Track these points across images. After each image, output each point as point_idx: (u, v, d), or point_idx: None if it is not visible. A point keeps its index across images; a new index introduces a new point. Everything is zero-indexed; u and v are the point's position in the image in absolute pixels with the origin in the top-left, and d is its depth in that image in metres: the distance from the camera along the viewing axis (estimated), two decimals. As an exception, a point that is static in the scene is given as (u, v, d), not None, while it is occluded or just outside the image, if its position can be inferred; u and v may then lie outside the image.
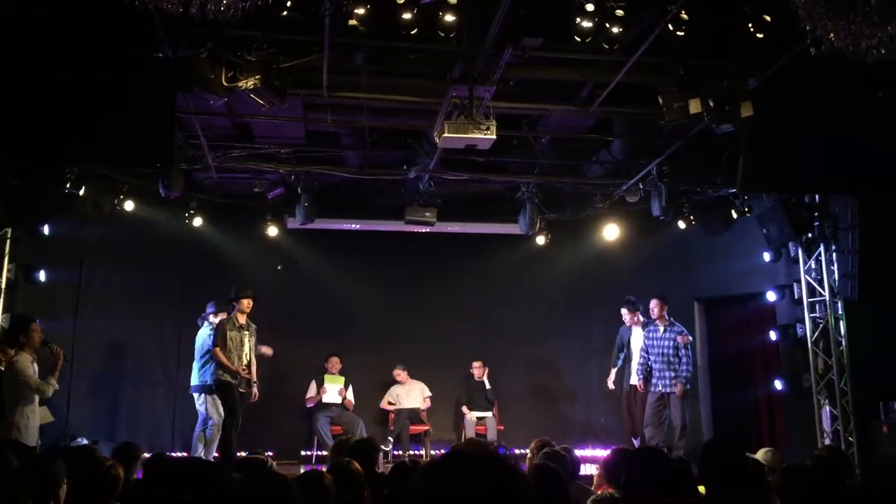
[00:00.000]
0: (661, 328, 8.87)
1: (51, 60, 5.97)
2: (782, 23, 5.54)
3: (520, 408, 10.94)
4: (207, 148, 8.37)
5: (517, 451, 9.45)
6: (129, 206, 9.22)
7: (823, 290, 9.03)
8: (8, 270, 8.38)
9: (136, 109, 6.23)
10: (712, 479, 3.20)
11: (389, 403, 10.52)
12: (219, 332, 8.18)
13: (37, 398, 6.47)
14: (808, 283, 9.22)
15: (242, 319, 8.29)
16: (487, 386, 10.53)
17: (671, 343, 8.77)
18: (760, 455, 5.09)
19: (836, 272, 8.85)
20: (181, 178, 8.53)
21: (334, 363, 10.21)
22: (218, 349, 8.07)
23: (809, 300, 9.20)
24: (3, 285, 8.32)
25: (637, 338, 9.34)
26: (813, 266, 9.19)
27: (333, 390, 10.07)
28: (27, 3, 5.86)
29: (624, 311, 9.55)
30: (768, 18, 5.78)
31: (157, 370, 10.15)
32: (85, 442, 8.34)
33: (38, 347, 6.60)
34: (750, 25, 5.83)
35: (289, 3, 5.34)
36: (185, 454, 8.65)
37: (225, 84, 6.22)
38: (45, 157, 6.73)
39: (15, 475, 3.29)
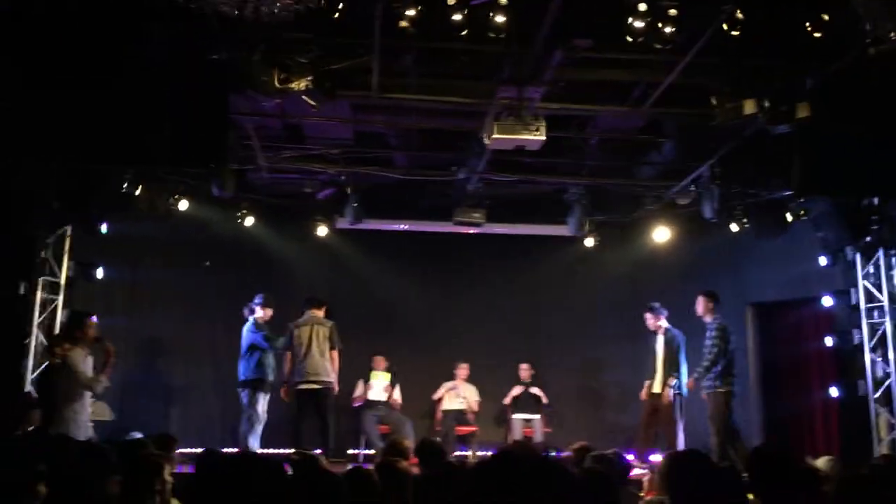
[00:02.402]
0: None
1: (107, 60, 6.11)
2: (842, 22, 5.41)
3: (567, 411, 10.86)
4: (259, 148, 8.49)
5: (564, 454, 9.40)
6: (183, 205, 9.39)
7: (882, 295, 8.79)
8: (68, 268, 8.64)
9: (189, 110, 6.33)
10: (761, 485, 3.14)
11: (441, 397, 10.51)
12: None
13: (88, 393, 6.63)
14: (866, 289, 8.98)
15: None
16: (544, 400, 10.46)
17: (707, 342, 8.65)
18: (821, 463, 4.96)
19: (895, 277, 8.62)
20: (234, 179, 8.68)
21: (379, 361, 10.24)
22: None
23: (867, 306, 8.96)
24: (63, 282, 8.58)
25: (659, 345, 9.22)
26: (871, 271, 8.96)
27: (379, 386, 10.09)
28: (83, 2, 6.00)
29: (647, 315, 9.39)
30: (826, 18, 5.65)
31: (207, 367, 10.33)
32: (139, 436, 8.50)
33: (92, 343, 6.78)
34: (807, 25, 5.70)
35: (340, 6, 5.38)
36: (236, 450, 8.77)
37: (277, 86, 6.28)
38: (101, 157, 6.89)
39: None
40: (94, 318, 6.92)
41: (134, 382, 9.47)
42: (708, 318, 8.79)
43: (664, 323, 9.26)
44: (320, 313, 8.83)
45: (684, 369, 9.01)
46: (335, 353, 8.63)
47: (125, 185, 8.33)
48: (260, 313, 8.90)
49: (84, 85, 6.12)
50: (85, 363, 6.68)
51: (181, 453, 5.91)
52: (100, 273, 8.88)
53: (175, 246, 10.07)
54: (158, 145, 6.56)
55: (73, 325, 6.82)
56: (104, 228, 8.61)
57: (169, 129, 6.37)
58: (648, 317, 9.37)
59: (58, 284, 8.62)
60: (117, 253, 9.43)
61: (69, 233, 8.63)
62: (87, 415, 6.69)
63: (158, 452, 3.83)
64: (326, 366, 8.56)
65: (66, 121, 6.14)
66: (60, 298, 8.57)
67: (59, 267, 8.64)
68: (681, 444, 8.82)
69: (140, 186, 8.48)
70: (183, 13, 4.67)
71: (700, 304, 8.82)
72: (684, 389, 8.93)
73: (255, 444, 8.69)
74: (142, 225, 9.58)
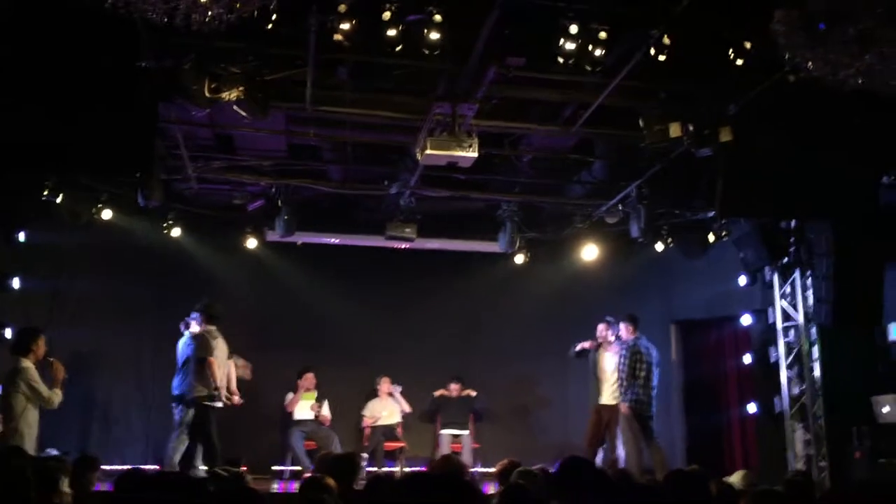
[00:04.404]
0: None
1: (30, 65, 5.94)
2: (762, 50, 5.63)
3: (497, 426, 10.91)
4: (188, 158, 8.33)
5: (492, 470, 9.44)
6: (107, 214, 9.11)
7: (798, 314, 9.11)
8: (-19, 277, 8.31)
9: (116, 118, 6.20)
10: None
11: (368, 418, 10.45)
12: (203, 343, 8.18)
13: (38, 408, 6.51)
14: (783, 308, 9.29)
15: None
16: (474, 394, 10.53)
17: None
18: (735, 478, 5.11)
19: (810, 297, 8.94)
20: (161, 188, 8.48)
21: (307, 379, 10.13)
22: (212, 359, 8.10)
23: (784, 325, 9.27)
24: (-24, 292, 8.25)
25: (610, 356, 9.40)
26: (788, 291, 9.27)
27: (305, 406, 10.00)
28: (7, 7, 5.82)
29: (600, 326, 9.54)
30: (748, 45, 5.87)
31: (131, 382, 10.05)
32: (55, 453, 8.21)
33: (41, 360, 6.63)
34: (730, 52, 5.92)
35: (274, 17, 5.35)
36: (157, 467, 8.55)
37: (208, 95, 6.20)
38: (20, 162, 6.67)
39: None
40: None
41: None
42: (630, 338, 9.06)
43: (624, 334, 9.33)
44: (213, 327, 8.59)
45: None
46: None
47: (46, 193, 8.06)
48: (196, 329, 8.69)
49: (3, 88, 5.93)
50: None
51: (101, 471, 5.74)
52: (16, 283, 8.55)
53: (98, 256, 9.77)
54: (82, 152, 6.40)
55: (28, 339, 6.64)
56: (22, 237, 8.31)
57: (93, 137, 6.22)
58: (601, 327, 9.50)
59: (-30, 295, 8.28)
60: (36, 263, 9.10)
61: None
62: (36, 429, 6.53)
63: (55, 465, 3.71)
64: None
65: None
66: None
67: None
68: (621, 456, 8.97)
69: (61, 195, 8.22)
70: (111, 19, 4.55)
71: (623, 329, 9.13)
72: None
73: (177, 459, 8.49)
74: (63, 234, 9.29)
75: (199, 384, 8.16)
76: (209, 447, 8.05)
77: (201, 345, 8.29)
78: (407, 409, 10.49)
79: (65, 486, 3.50)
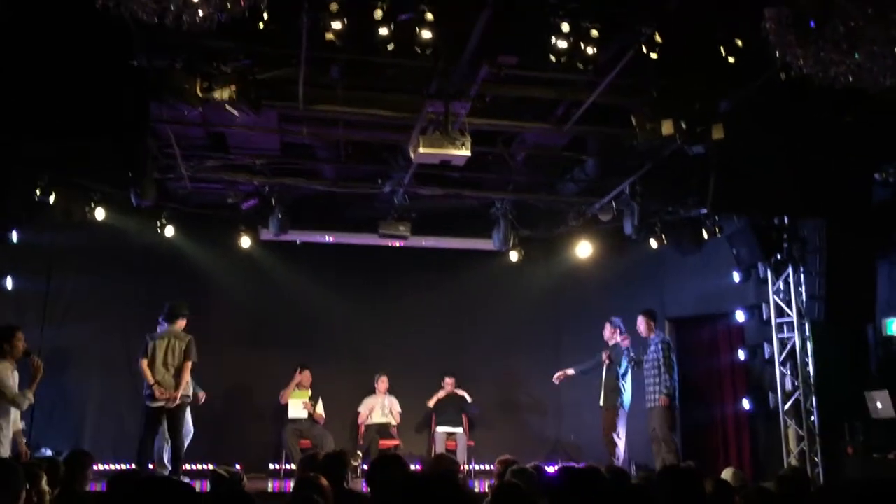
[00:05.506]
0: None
1: (22, 64, 5.92)
2: (754, 48, 5.64)
3: (491, 424, 10.93)
4: (181, 157, 8.31)
5: (487, 468, 9.46)
6: (100, 214, 9.07)
7: (791, 311, 9.15)
8: (-26, 277, 8.30)
9: (108, 117, 6.19)
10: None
11: (362, 413, 10.45)
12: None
13: (13, 409, 6.44)
14: (777, 304, 9.33)
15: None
16: (468, 399, 10.53)
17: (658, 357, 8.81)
18: (726, 476, 5.13)
19: (803, 293, 8.98)
20: (154, 188, 8.45)
21: (304, 376, 10.12)
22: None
23: (777, 321, 9.31)
24: (-30, 293, 8.23)
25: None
26: (781, 287, 9.31)
27: (298, 404, 10.00)
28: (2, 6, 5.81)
29: (607, 328, 9.49)
30: (740, 43, 5.88)
31: (124, 381, 10.01)
32: (49, 453, 8.21)
33: (20, 357, 6.57)
34: (722, 49, 5.93)
35: (265, 16, 5.34)
36: (151, 466, 8.53)
37: (200, 95, 6.19)
38: (14, 162, 6.67)
39: None
40: (21, 332, 6.70)
41: (46, 397, 9.09)
42: (652, 335, 8.99)
43: (618, 337, 9.36)
44: (178, 326, 8.55)
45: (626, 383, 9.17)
46: (187, 364, 8.31)
47: (38, 193, 8.04)
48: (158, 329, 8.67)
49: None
50: (12, 378, 6.48)
51: (95, 471, 5.73)
52: (9, 283, 8.53)
53: (91, 255, 9.75)
54: (75, 152, 6.39)
55: (1, 339, 6.57)
56: (14, 237, 8.29)
57: (86, 136, 6.21)
58: (608, 330, 9.45)
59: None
60: (29, 262, 9.08)
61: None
62: (11, 431, 6.48)
63: (35, 462, 3.71)
64: (172, 381, 8.29)
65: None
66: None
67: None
68: (621, 457, 8.95)
69: (54, 194, 8.19)
70: (102, 18, 4.54)
71: (641, 324, 9.02)
72: (626, 403, 9.09)
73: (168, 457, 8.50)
74: (56, 234, 9.27)
75: (145, 384, 8.30)
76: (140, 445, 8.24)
77: (143, 347, 8.39)
78: (397, 420, 10.49)
79: (44, 485, 3.48)
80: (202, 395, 8.94)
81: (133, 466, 8.35)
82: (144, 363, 8.27)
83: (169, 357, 8.30)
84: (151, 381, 8.19)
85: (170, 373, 8.27)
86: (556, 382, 9.78)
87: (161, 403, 8.21)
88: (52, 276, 9.76)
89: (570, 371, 9.72)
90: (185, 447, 8.50)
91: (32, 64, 5.94)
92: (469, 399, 10.58)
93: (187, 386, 8.35)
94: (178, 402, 8.22)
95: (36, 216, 8.42)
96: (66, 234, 9.36)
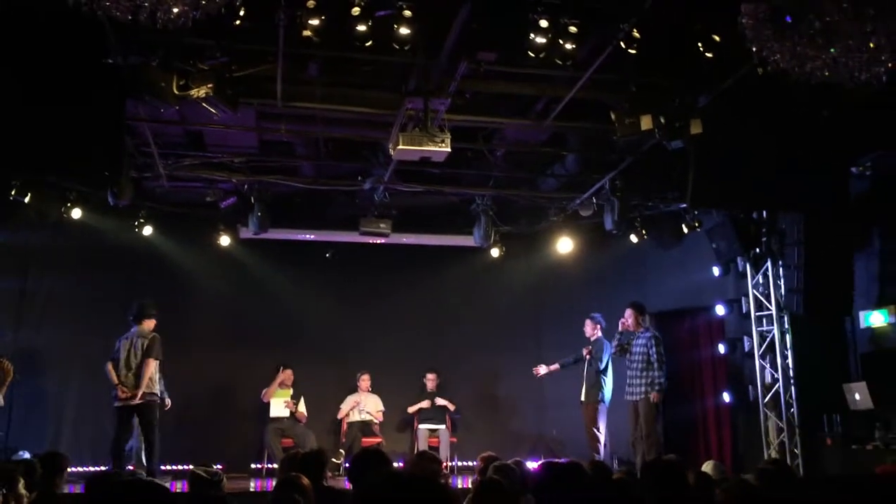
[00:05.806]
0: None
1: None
2: (731, 43, 5.66)
3: (473, 420, 10.93)
4: (158, 156, 8.24)
5: (470, 464, 9.46)
6: (76, 213, 8.98)
7: (770, 304, 9.22)
8: (-52, 278, 8.19)
9: (84, 116, 6.11)
10: (653, 498, 3.24)
11: (343, 411, 10.42)
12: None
13: None
14: (756, 298, 9.40)
15: None
16: (451, 407, 10.52)
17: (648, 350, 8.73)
18: (706, 468, 5.16)
19: (782, 287, 9.05)
20: (131, 186, 8.37)
21: (286, 375, 10.09)
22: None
23: (757, 314, 9.38)
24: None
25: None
26: (760, 281, 9.38)
27: (280, 403, 9.97)
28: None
29: (587, 322, 9.50)
30: (717, 38, 5.90)
31: (101, 382, 9.90)
32: (27, 456, 8.12)
33: None
34: (699, 45, 5.95)
35: (242, 13, 5.29)
36: (130, 468, 8.47)
37: (176, 92, 6.13)
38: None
39: None
40: None
41: (22, 399, 8.99)
42: (638, 328, 8.94)
43: (598, 333, 9.35)
44: (145, 326, 8.45)
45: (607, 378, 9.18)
46: (150, 361, 8.21)
47: (13, 193, 7.94)
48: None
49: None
50: None
51: (72, 472, 5.67)
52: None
53: (68, 256, 9.65)
54: (49, 151, 6.30)
55: None
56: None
57: (61, 135, 6.13)
58: (588, 325, 9.43)
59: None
60: (4, 263, 8.97)
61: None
62: None
63: (11, 467, 3.66)
64: (133, 380, 8.22)
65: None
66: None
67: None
68: (602, 451, 8.97)
69: (29, 194, 8.10)
70: (76, 16, 4.48)
71: (630, 317, 8.95)
72: (607, 398, 9.09)
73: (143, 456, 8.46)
74: (31, 234, 9.16)
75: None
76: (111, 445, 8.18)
77: (113, 349, 8.37)
78: (379, 418, 10.46)
79: (21, 489, 3.44)
80: (168, 402, 8.83)
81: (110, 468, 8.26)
82: (110, 365, 8.26)
83: (131, 357, 8.24)
84: (115, 381, 8.17)
85: (132, 371, 8.20)
86: (537, 375, 9.79)
87: (122, 403, 8.14)
88: (28, 277, 9.66)
89: (555, 366, 9.72)
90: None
91: (5, 63, 5.86)
92: (452, 408, 10.57)
93: (152, 384, 8.25)
94: (141, 399, 8.12)
95: (11, 216, 8.31)
96: (42, 234, 9.27)
